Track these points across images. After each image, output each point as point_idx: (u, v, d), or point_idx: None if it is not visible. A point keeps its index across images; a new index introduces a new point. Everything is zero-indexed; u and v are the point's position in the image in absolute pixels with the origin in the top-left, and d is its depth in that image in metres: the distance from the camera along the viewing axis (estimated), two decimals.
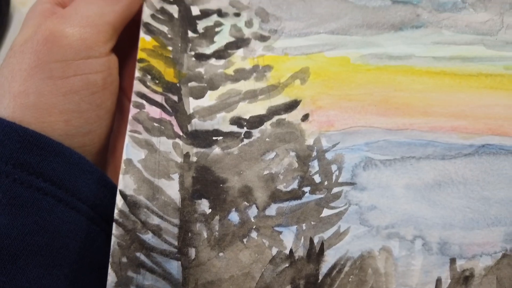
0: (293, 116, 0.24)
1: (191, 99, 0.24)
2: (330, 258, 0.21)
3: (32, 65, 0.21)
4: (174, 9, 0.25)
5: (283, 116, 0.24)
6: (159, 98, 0.23)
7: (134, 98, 0.23)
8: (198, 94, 0.24)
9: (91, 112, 0.22)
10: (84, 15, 0.22)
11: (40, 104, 0.20)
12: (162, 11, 0.25)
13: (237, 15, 0.25)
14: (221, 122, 0.23)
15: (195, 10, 0.25)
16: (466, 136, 0.24)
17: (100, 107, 0.22)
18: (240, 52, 0.25)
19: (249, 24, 0.25)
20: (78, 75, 0.21)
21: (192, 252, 0.21)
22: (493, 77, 0.25)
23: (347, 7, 0.25)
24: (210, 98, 0.24)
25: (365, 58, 0.25)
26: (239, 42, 0.25)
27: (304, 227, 0.21)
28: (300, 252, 0.21)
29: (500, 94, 0.24)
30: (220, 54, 0.24)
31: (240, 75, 0.24)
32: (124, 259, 0.20)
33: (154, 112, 0.23)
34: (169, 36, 0.24)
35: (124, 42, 0.25)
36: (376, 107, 0.24)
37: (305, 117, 0.24)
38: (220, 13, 0.25)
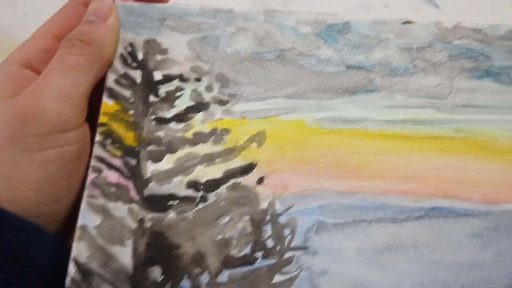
0: (249, 180, 0.24)
1: (149, 162, 0.24)
2: None
3: (7, 139, 0.21)
4: (137, 74, 0.26)
5: (238, 180, 0.24)
6: (118, 162, 0.24)
7: (93, 162, 0.23)
8: (157, 157, 0.24)
9: (63, 181, 0.22)
10: (59, 87, 0.22)
11: (13, 174, 0.21)
12: (126, 76, 0.26)
13: (198, 80, 0.26)
14: (178, 186, 0.24)
15: (157, 75, 0.26)
16: (417, 199, 0.24)
17: (72, 176, 0.23)
18: (199, 116, 0.25)
19: (209, 88, 0.26)
20: (54, 147, 0.22)
21: None
22: (443, 139, 0.26)
23: (303, 72, 0.26)
24: (168, 162, 0.24)
25: (320, 121, 0.26)
26: (199, 106, 0.26)
27: None
28: None
29: (450, 156, 0.25)
30: (180, 118, 0.25)
31: (199, 138, 0.25)
32: None
33: (112, 176, 0.23)
34: (131, 100, 0.25)
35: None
36: (330, 169, 0.25)
37: (260, 180, 0.24)
38: (181, 78, 0.26)
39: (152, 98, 0.26)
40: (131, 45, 0.26)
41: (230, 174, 0.24)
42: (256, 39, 0.27)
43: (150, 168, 0.24)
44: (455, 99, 0.26)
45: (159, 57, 0.26)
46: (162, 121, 0.25)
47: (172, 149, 0.25)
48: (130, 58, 0.26)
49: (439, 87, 0.27)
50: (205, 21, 0.27)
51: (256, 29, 0.27)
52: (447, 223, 0.24)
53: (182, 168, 0.24)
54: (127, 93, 0.25)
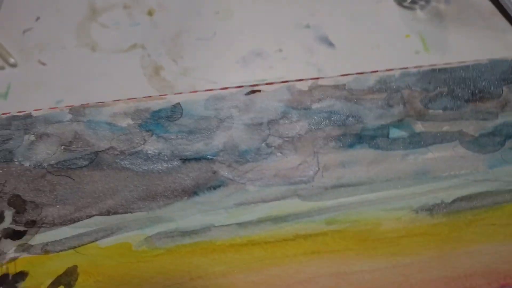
0: None
1: None
2: None
3: None
4: None
5: None
6: None
7: None
8: None
9: None
10: None
11: None
12: None
13: None
14: None
15: None
16: None
17: None
18: None
19: None
20: None
21: None
22: (314, 237, 0.21)
23: (126, 176, 0.22)
24: None
25: (152, 240, 0.21)
26: None
27: None
28: None
29: (323, 259, 0.20)
30: None
31: None
32: None
33: None
34: None
35: None
36: None
37: None
38: None
39: None
40: None
41: None
42: (62, 144, 0.22)
43: None
44: (323, 180, 0.22)
45: None
46: None
47: None
48: None
49: (302, 168, 0.22)
50: None
51: (61, 131, 0.22)
52: None
53: None
54: None
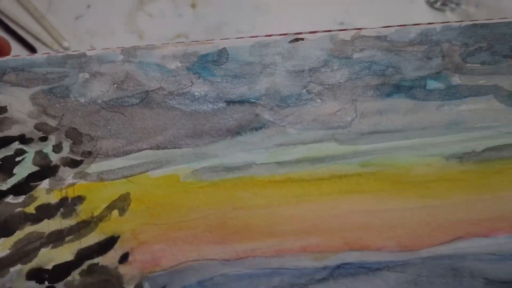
0: (109, 259, 0.21)
1: None
2: None
3: None
4: None
5: (95, 260, 0.21)
6: None
7: None
8: None
9: None
10: None
11: None
12: None
13: (44, 139, 0.23)
14: (16, 278, 0.20)
15: None
16: (319, 256, 0.21)
17: None
18: (45, 184, 0.22)
19: (57, 148, 0.23)
20: None
21: None
22: (348, 178, 0.23)
23: (175, 115, 0.23)
24: (2, 248, 0.21)
25: (198, 173, 0.23)
26: (45, 171, 0.22)
27: None
28: None
29: (356, 198, 0.22)
30: (19, 189, 0.22)
31: (43, 213, 0.22)
32: None
33: None
34: None
35: None
36: (212, 233, 0.22)
37: (124, 258, 0.21)
38: (23, 139, 0.23)
39: None
40: None
41: (84, 255, 0.21)
42: (115, 83, 0.24)
43: None
44: (360, 126, 0.23)
45: None
46: None
47: (7, 231, 0.21)
48: None
49: (340, 114, 0.24)
50: (52, 71, 0.24)
51: (114, 71, 0.24)
52: (357, 282, 0.21)
53: (20, 255, 0.21)
54: None
